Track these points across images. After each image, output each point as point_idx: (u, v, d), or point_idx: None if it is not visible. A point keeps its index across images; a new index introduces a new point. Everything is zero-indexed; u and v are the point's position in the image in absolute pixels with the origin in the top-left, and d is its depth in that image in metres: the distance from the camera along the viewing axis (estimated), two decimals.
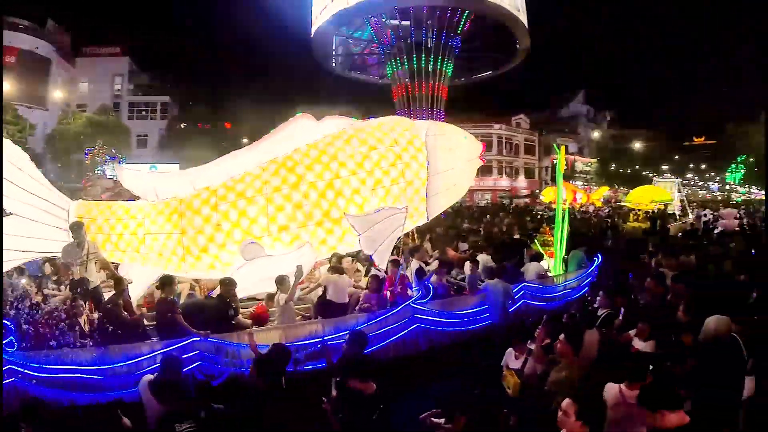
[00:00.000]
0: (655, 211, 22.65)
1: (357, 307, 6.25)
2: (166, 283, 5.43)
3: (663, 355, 4.33)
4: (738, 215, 19.66)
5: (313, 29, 31.01)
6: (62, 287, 7.01)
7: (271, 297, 6.45)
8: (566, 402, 3.08)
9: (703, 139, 61.38)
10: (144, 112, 36.49)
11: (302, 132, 6.71)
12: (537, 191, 43.75)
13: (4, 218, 5.97)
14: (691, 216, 22.68)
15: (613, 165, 52.70)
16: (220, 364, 5.18)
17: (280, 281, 5.81)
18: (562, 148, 10.65)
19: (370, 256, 6.74)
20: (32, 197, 6.13)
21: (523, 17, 32.95)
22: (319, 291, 6.71)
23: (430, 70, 33.09)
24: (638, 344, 4.78)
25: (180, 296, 6.88)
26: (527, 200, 38.99)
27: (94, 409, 4.88)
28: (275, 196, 6.09)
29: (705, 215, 22.24)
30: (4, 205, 5.95)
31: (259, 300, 6.78)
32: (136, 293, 6.37)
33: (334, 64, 34.86)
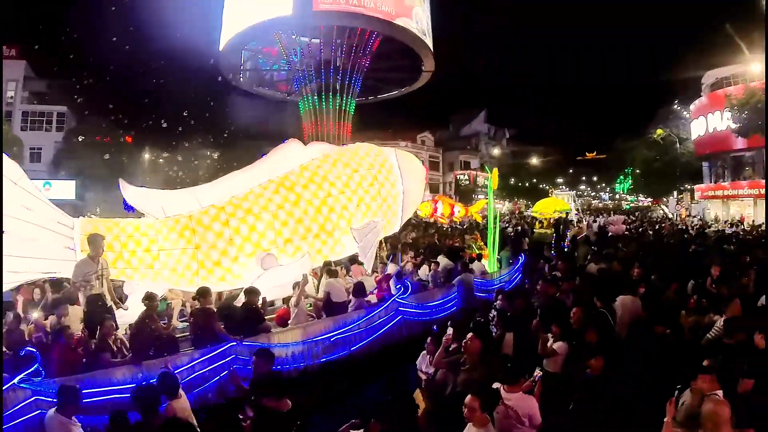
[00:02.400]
0: (558, 219, 26.61)
1: (350, 310, 7.64)
2: (202, 294, 6.27)
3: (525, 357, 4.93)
4: (625, 220, 24.20)
5: (222, 44, 31.49)
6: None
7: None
8: (469, 398, 3.44)
9: (594, 154, 71.47)
10: (39, 123, 33.61)
11: (292, 155, 8.09)
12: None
13: None
14: (584, 222, 27.14)
15: (513, 179, 58.72)
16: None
17: (296, 286, 7.07)
18: (494, 170, 13.10)
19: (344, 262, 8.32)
20: (32, 215, 6.18)
21: (429, 41, 36.17)
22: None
23: (338, 87, 34.91)
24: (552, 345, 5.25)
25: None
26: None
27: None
28: (279, 212, 7.36)
29: (596, 221, 26.79)
30: None
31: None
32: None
33: (242, 79, 35.40)
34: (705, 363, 4.17)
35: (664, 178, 40.93)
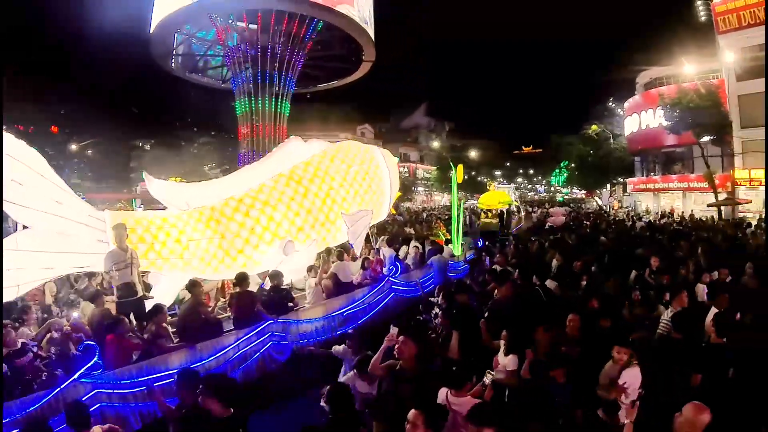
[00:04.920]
0: (502, 210, 29.74)
1: (357, 282, 9.42)
2: (242, 279, 7.66)
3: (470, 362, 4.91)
4: (565, 212, 27.64)
5: (153, 25, 31.26)
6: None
7: None
8: (412, 413, 3.37)
9: (531, 148, 77.95)
10: None
11: (296, 151, 9.64)
12: None
13: (19, 233, 6.30)
14: (522, 213, 30.52)
15: (451, 171, 62.26)
16: (287, 341, 7.58)
17: (311, 269, 8.69)
18: (459, 166, 15.29)
19: (350, 245, 10.06)
20: (63, 209, 6.59)
21: (370, 30, 37.64)
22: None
23: (275, 75, 35.60)
24: (502, 359, 5.17)
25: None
26: None
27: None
28: (291, 203, 8.92)
29: (533, 211, 30.24)
30: (22, 219, 6.24)
31: None
32: (167, 300, 7.98)
33: (173, 65, 35.18)
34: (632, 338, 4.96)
35: (598, 171, 45.75)
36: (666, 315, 6.14)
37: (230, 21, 32.33)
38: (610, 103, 48.36)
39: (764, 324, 5.83)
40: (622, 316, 6.54)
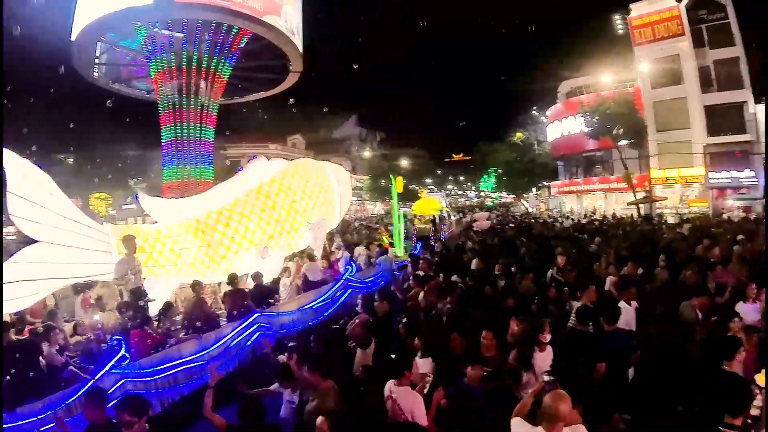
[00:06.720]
0: (434, 216, 32.82)
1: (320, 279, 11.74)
2: (233, 279, 9.66)
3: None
4: (489, 216, 31.06)
5: (74, 33, 31.50)
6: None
7: None
8: (320, 420, 3.89)
9: (461, 155, 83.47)
10: None
11: (262, 169, 11.84)
12: None
13: (31, 247, 7.14)
14: (453, 218, 33.72)
15: (383, 181, 65.55)
16: (272, 331, 9.34)
17: (285, 270, 10.88)
18: (399, 179, 17.95)
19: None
20: (69, 223, 7.66)
21: (298, 41, 39.41)
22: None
23: (201, 85, 36.60)
24: (418, 361, 5.43)
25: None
26: None
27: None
28: (263, 215, 11.09)
29: (463, 217, 33.46)
30: (33, 234, 7.08)
31: None
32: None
33: (95, 74, 35.42)
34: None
35: (524, 176, 50.44)
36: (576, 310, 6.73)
37: (155, 30, 33.19)
38: (534, 112, 53.57)
39: (673, 316, 6.87)
40: (534, 313, 7.09)
